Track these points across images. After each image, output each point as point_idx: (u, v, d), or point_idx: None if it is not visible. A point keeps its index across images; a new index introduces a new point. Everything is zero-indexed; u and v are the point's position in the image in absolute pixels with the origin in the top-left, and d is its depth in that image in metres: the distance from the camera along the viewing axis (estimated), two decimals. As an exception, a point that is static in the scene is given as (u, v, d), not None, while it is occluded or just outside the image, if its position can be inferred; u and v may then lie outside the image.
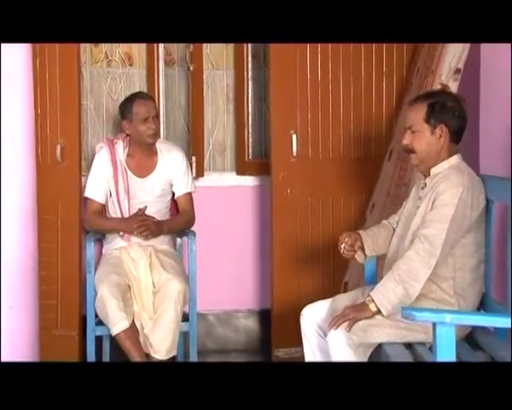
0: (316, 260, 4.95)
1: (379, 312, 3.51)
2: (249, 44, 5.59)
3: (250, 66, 5.64)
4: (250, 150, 5.67)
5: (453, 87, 4.50)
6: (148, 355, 4.61)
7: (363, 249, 3.91)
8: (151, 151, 4.95)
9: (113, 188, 4.89)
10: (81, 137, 5.17)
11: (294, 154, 4.92)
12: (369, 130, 4.97)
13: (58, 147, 5.01)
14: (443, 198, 3.52)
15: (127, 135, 4.93)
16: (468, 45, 4.48)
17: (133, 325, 4.60)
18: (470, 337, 3.65)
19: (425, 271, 3.49)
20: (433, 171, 3.69)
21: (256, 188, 5.57)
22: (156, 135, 4.90)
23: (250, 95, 5.64)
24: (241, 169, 5.66)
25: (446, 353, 2.60)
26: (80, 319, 5.14)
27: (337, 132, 4.98)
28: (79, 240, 5.14)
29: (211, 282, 5.28)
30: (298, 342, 4.91)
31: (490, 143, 4.24)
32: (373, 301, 3.52)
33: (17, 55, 3.61)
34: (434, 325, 2.60)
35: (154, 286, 4.71)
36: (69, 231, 5.05)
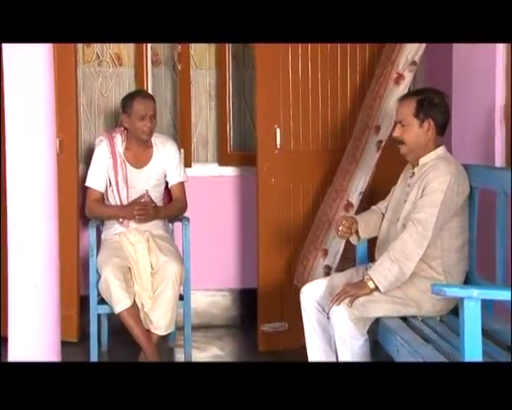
0: (297, 241, 4.93)
1: (377, 289, 3.53)
2: (230, 46, 5.59)
3: (231, 66, 5.63)
4: (231, 143, 5.66)
5: (408, 77, 4.55)
6: (148, 331, 4.58)
7: (356, 232, 3.92)
8: (147, 144, 4.88)
9: (112, 178, 4.82)
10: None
11: (278, 146, 4.89)
12: (344, 123, 4.96)
13: (57, 140, 4.91)
14: (433, 185, 3.55)
15: (125, 129, 4.86)
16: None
17: (134, 303, 4.56)
18: (458, 312, 3.67)
19: (418, 251, 3.52)
20: (422, 161, 3.71)
21: (237, 177, 5.58)
22: (151, 133, 4.81)
23: (231, 92, 5.63)
24: (223, 160, 5.65)
25: (473, 326, 2.60)
26: (79, 299, 5.11)
27: (316, 126, 4.97)
28: (77, 226, 5.11)
29: (197, 263, 5.22)
30: (281, 317, 5.00)
31: (461, 134, 4.26)
32: (371, 279, 3.53)
33: (40, 53, 3.52)
34: (462, 299, 2.60)
35: (152, 268, 4.67)
36: (67, 217, 4.97)
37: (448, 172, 3.56)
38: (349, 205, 4.61)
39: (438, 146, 3.71)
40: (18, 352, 3.54)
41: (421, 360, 3.03)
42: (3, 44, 3.50)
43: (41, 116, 3.55)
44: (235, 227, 5.59)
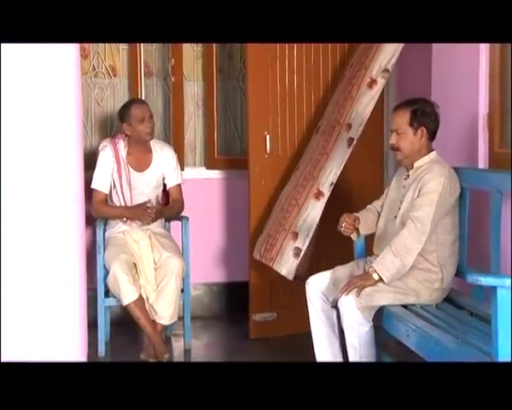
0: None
1: (381, 280, 3.60)
2: (216, 59, 5.62)
3: (217, 78, 5.66)
4: (218, 149, 5.69)
5: (380, 83, 4.61)
6: (153, 321, 4.58)
7: (356, 229, 3.98)
8: (147, 149, 4.88)
9: (117, 181, 4.80)
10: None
11: (268, 151, 4.94)
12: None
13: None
14: (429, 186, 3.63)
15: (126, 135, 4.84)
16: (398, 50, 4.57)
17: (141, 296, 4.56)
18: (450, 299, 3.77)
19: (417, 246, 3.60)
20: (416, 164, 3.79)
21: (223, 180, 5.63)
22: (153, 132, 4.84)
23: (217, 102, 5.66)
24: (211, 164, 5.69)
25: (504, 312, 2.66)
26: (81, 293, 5.06)
27: (301, 133, 5.03)
28: (79, 225, 5.05)
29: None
30: (271, 307, 5.04)
31: (443, 139, 4.32)
32: (375, 271, 3.60)
33: (67, 55, 3.46)
34: (495, 288, 2.66)
35: (155, 263, 4.68)
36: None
37: (442, 174, 3.65)
38: (319, 194, 4.61)
39: (430, 151, 3.80)
40: (48, 350, 3.47)
41: (434, 342, 3.11)
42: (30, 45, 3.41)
43: (69, 116, 3.47)
44: (223, 226, 5.62)
